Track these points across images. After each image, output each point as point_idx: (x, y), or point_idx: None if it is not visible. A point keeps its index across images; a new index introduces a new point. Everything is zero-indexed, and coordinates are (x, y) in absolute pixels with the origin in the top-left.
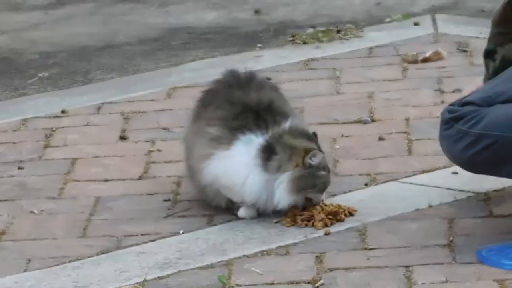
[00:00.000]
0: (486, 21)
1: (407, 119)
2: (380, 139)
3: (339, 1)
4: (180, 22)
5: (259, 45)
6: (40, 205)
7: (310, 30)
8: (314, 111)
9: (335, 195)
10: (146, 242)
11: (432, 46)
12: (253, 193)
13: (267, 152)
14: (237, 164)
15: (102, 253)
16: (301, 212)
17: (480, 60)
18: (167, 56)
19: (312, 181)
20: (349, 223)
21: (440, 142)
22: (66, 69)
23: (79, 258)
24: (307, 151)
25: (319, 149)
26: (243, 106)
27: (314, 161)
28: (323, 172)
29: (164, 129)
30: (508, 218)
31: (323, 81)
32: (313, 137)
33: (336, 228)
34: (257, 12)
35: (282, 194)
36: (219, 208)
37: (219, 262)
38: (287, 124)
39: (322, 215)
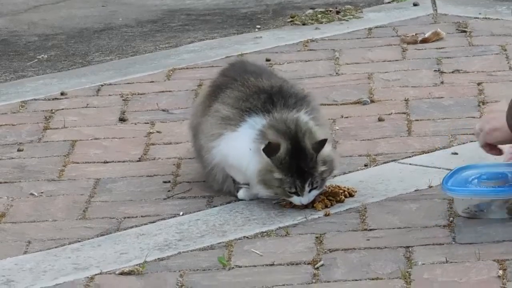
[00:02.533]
0: (485, 1)
1: (406, 100)
2: (380, 120)
3: None
4: (178, 4)
5: (258, 26)
6: (39, 187)
7: (309, 11)
8: (314, 92)
9: (334, 176)
10: (146, 224)
11: (431, 26)
12: (254, 175)
13: (261, 137)
14: (242, 146)
15: (102, 235)
16: None
17: (479, 40)
18: (166, 37)
19: (270, 176)
20: (348, 204)
21: None
22: (65, 51)
23: (79, 240)
24: (270, 144)
25: (303, 146)
26: (255, 89)
27: (269, 154)
28: (278, 175)
29: (163, 110)
30: None
31: (322, 62)
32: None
33: (336, 209)
34: None
35: (254, 184)
36: (219, 189)
37: (219, 243)
38: (300, 111)
39: (322, 196)
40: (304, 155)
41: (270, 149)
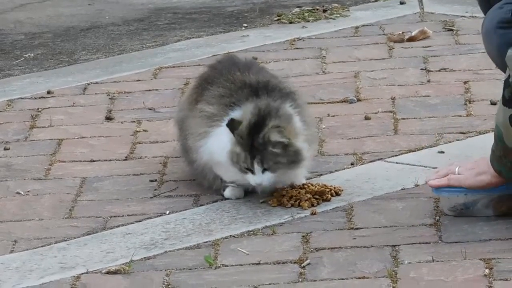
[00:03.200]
0: (472, 0)
1: (393, 98)
2: (366, 118)
3: None
4: (165, 2)
5: (245, 24)
6: (26, 186)
7: (296, 10)
8: (300, 90)
9: (321, 174)
10: (132, 223)
11: (418, 25)
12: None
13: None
14: (225, 140)
15: (88, 234)
16: (287, 192)
17: (465, 39)
18: (152, 36)
19: (233, 153)
20: (335, 202)
21: (488, 38)
22: (52, 50)
23: (65, 239)
24: (232, 119)
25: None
26: (241, 84)
27: (231, 129)
28: (237, 149)
29: (150, 109)
30: None
31: (309, 61)
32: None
33: (322, 208)
34: None
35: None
36: (207, 188)
37: (205, 242)
38: (284, 103)
39: (308, 195)
40: (260, 131)
41: (232, 124)
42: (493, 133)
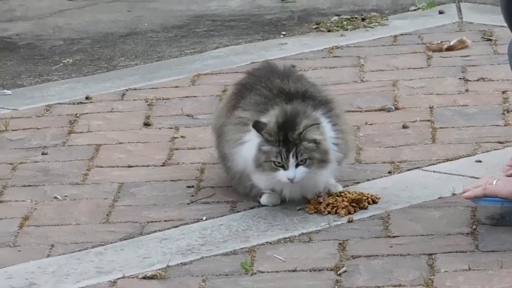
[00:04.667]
0: None
1: (431, 107)
2: (404, 127)
3: None
4: (204, 10)
5: (283, 32)
6: (63, 190)
7: (335, 18)
8: (338, 99)
9: (358, 182)
10: (169, 228)
11: (456, 34)
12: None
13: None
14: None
15: (125, 239)
16: (324, 199)
17: (504, 49)
18: (191, 43)
19: (261, 153)
20: (372, 210)
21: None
22: (90, 56)
23: (102, 243)
24: (257, 121)
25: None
26: (277, 92)
27: (258, 129)
28: (266, 147)
29: (188, 115)
30: None
31: (347, 69)
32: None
33: (359, 215)
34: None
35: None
36: (243, 195)
37: (242, 248)
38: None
39: (346, 203)
40: (292, 127)
41: (258, 125)
42: None
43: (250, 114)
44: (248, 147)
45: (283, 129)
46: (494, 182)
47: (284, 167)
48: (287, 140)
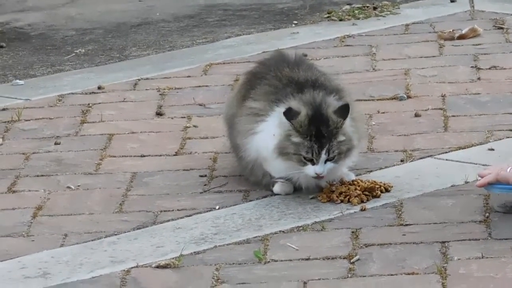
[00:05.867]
0: None
1: (443, 96)
2: (416, 115)
3: None
4: None
5: (295, 21)
6: (76, 180)
7: (347, 7)
8: (350, 87)
9: (371, 171)
10: (182, 218)
11: (468, 23)
12: (273, 151)
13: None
14: (270, 136)
15: (139, 228)
16: (337, 188)
17: None
18: (203, 33)
19: (288, 142)
20: (385, 199)
21: None
22: (103, 46)
23: (116, 233)
24: (290, 108)
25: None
26: (287, 81)
27: (289, 117)
28: (296, 139)
29: (200, 105)
30: None
31: (359, 58)
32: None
33: (372, 204)
34: None
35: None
36: (255, 184)
37: (255, 237)
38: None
39: (358, 191)
40: (326, 120)
41: (290, 113)
42: None
43: (261, 104)
44: (262, 137)
45: (315, 123)
46: (509, 170)
47: (313, 162)
48: (319, 135)
